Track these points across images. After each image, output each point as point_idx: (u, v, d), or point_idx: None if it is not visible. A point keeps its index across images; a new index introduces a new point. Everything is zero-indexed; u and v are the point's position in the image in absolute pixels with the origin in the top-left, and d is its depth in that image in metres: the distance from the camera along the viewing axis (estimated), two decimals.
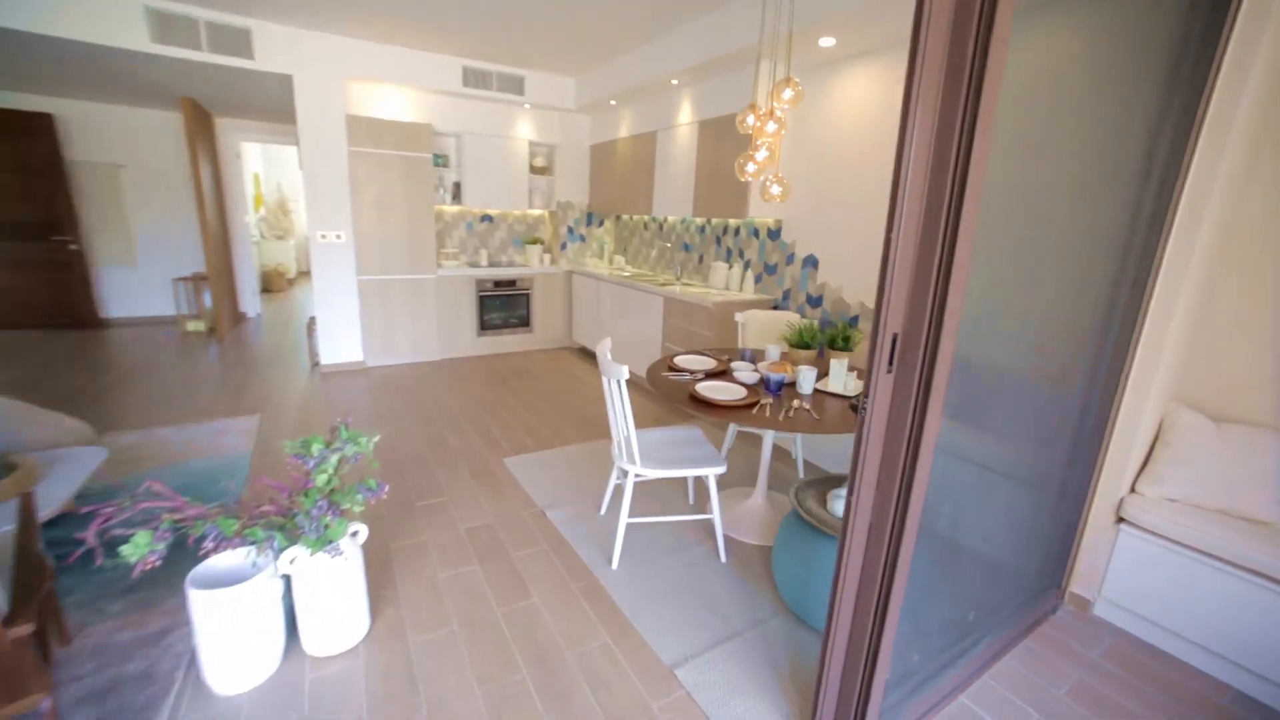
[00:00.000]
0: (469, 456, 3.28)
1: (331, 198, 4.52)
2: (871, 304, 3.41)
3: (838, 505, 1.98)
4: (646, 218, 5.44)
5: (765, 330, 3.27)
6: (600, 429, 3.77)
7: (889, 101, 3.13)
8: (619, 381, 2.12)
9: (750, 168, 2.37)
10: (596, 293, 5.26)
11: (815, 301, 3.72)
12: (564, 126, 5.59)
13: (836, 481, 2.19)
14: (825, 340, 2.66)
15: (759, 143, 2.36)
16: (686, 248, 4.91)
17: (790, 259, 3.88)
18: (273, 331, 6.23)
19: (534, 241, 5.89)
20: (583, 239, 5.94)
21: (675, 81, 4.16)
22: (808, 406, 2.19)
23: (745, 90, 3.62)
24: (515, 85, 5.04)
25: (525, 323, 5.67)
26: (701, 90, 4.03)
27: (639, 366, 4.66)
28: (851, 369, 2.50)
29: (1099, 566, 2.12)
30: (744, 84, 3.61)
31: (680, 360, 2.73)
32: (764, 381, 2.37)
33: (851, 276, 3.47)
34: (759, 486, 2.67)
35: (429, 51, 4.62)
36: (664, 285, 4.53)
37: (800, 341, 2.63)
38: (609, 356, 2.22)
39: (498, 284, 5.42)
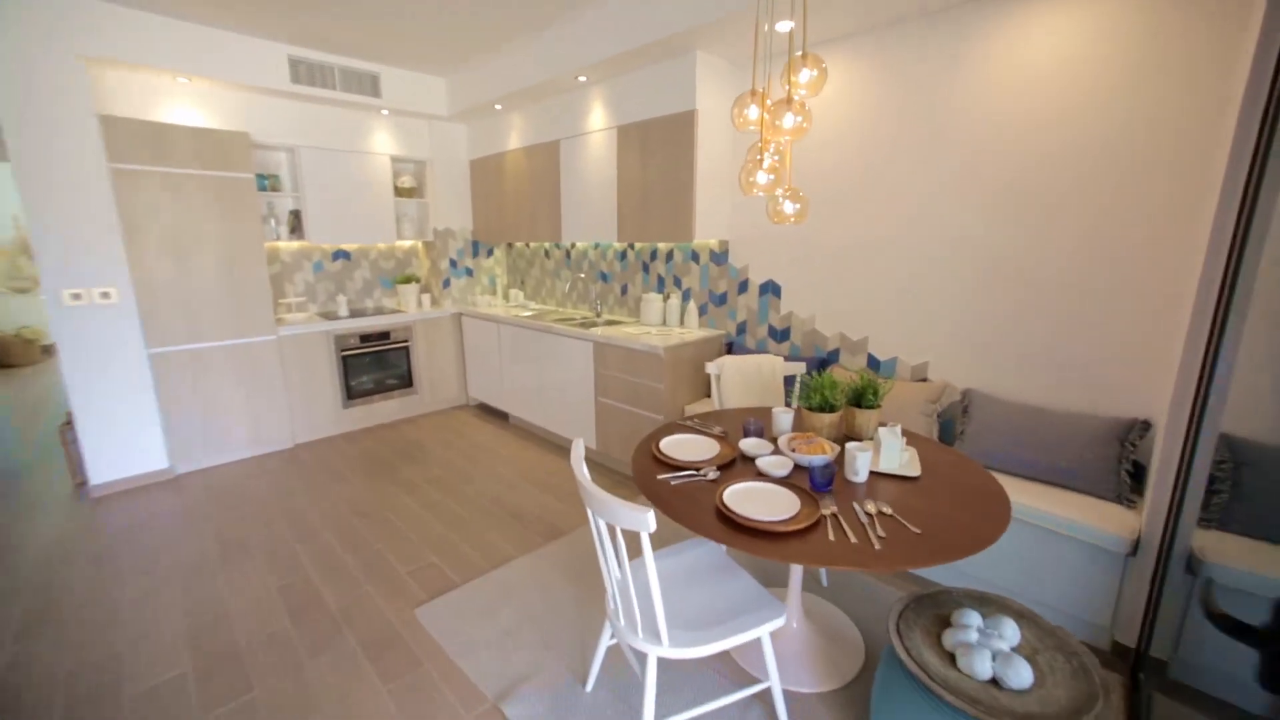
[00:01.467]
0: (357, 616, 2.20)
1: (85, 238, 3.08)
2: (855, 335, 2.87)
3: (978, 662, 1.33)
4: (548, 244, 4.59)
5: (749, 382, 2.62)
6: (540, 522, 2.85)
7: (858, 97, 2.65)
8: (636, 536, 1.29)
9: (762, 178, 1.68)
10: (496, 338, 4.28)
11: (781, 335, 3.16)
12: (436, 138, 4.55)
13: (951, 600, 1.56)
14: (852, 397, 2.06)
15: (771, 143, 1.68)
16: (604, 278, 4.15)
17: (743, 286, 3.28)
18: (7, 432, 4.35)
19: (408, 280, 4.74)
20: (469, 273, 4.91)
21: (583, 79, 3.40)
22: (888, 510, 1.53)
23: (681, 85, 2.97)
24: (367, 85, 3.94)
25: (406, 382, 4.50)
26: (621, 88, 3.32)
27: (566, 428, 3.78)
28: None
29: None
30: (681, 77, 2.96)
31: (668, 445, 1.96)
32: (810, 478, 1.68)
33: (824, 304, 2.95)
34: (791, 605, 1.97)
35: (236, 32, 3.39)
36: (589, 327, 3.73)
37: (821, 403, 2.00)
38: (598, 490, 1.39)
39: (365, 338, 4.21)
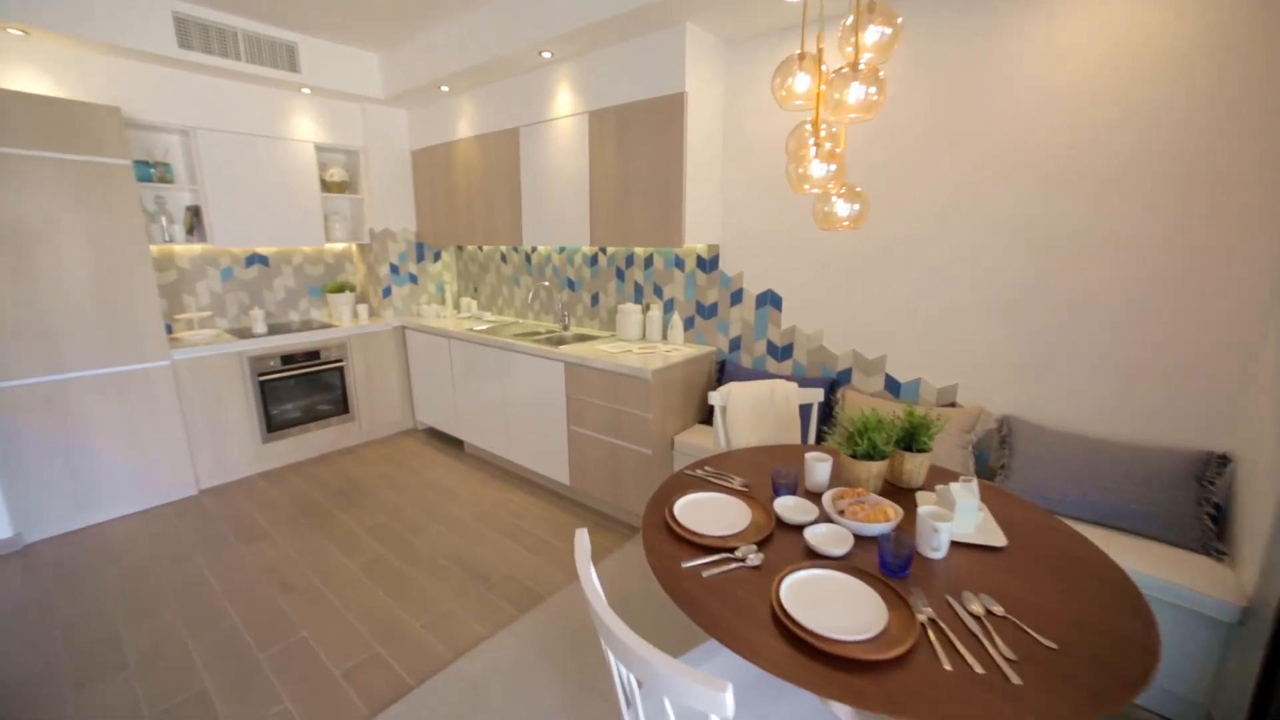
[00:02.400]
0: None
1: None
2: (871, 352, 2.48)
3: None
4: (505, 248, 4.06)
5: (759, 413, 2.22)
6: (511, 584, 2.35)
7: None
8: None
9: (818, 169, 1.27)
10: (447, 355, 3.72)
11: (782, 352, 2.78)
12: (371, 124, 3.93)
13: None
14: (901, 438, 1.70)
15: (826, 127, 1.27)
16: (571, 285, 3.67)
17: (737, 297, 2.89)
18: None
19: (340, 289, 4.10)
20: (413, 280, 4.31)
21: (547, 54, 2.92)
22: (998, 609, 1.16)
23: (668, 63, 2.54)
24: (281, 57, 3.29)
25: (341, 408, 3.87)
26: (593, 66, 2.86)
27: (533, 459, 3.28)
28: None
29: None
30: (668, 54, 2.53)
31: (686, 512, 1.52)
32: (879, 558, 1.29)
33: (833, 317, 2.59)
34: None
35: None
36: (556, 343, 3.24)
37: (868, 449, 1.62)
38: (634, 640, 1.09)
39: (289, 359, 3.56)
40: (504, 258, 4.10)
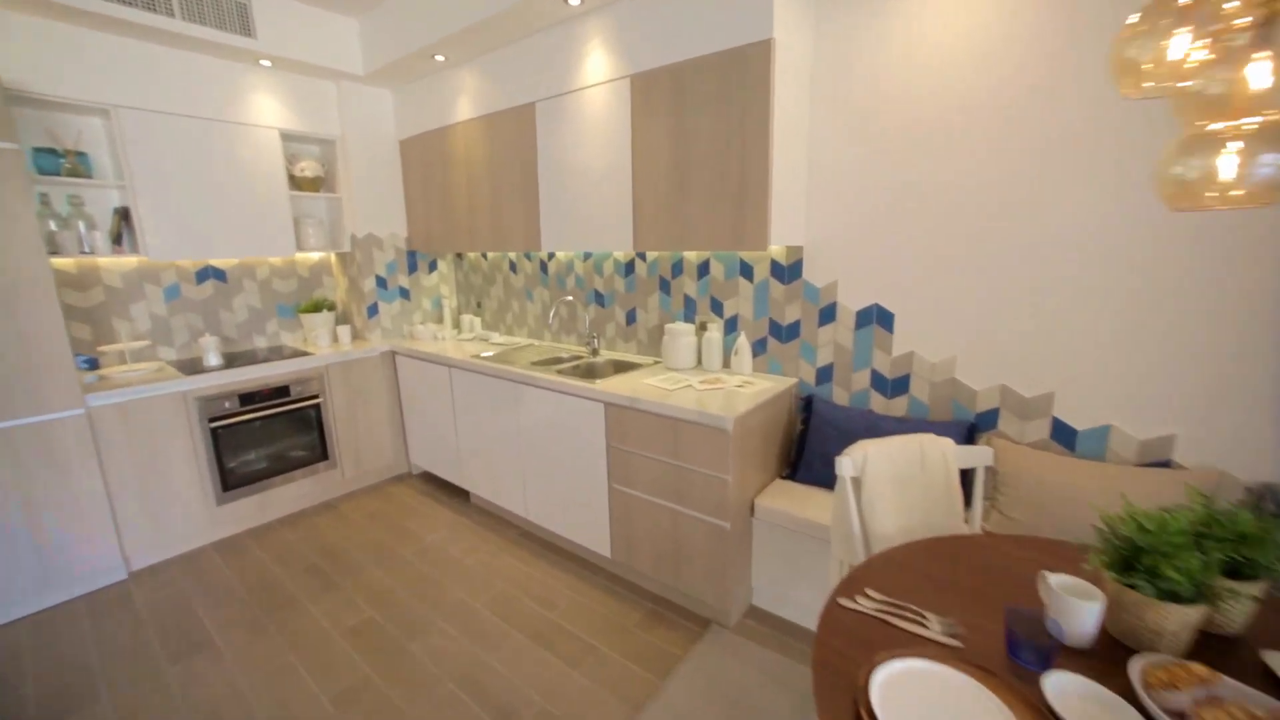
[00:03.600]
0: None
1: None
2: (1029, 388, 1.79)
3: None
4: (514, 256, 3.38)
5: (904, 485, 1.53)
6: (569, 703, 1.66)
7: (1023, 18, 1.64)
8: None
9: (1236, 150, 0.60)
10: (447, 386, 3.02)
11: (894, 386, 2.11)
12: (349, 107, 3.23)
13: None
14: (1226, 557, 1.04)
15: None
16: (599, 300, 2.98)
17: (828, 314, 2.22)
18: None
19: (316, 307, 3.40)
20: (404, 295, 3.60)
21: (575, 1, 2.24)
22: None
23: (735, 4, 1.87)
24: (230, 16, 2.60)
25: (319, 453, 3.15)
26: (638, 11, 2.19)
27: (560, 522, 2.58)
28: None
29: None
30: None
31: (891, 705, 0.84)
32: None
33: (970, 339, 1.93)
34: None
35: None
36: (588, 374, 2.56)
37: (1175, 584, 0.95)
38: None
39: (249, 397, 2.84)
40: (514, 267, 3.41)
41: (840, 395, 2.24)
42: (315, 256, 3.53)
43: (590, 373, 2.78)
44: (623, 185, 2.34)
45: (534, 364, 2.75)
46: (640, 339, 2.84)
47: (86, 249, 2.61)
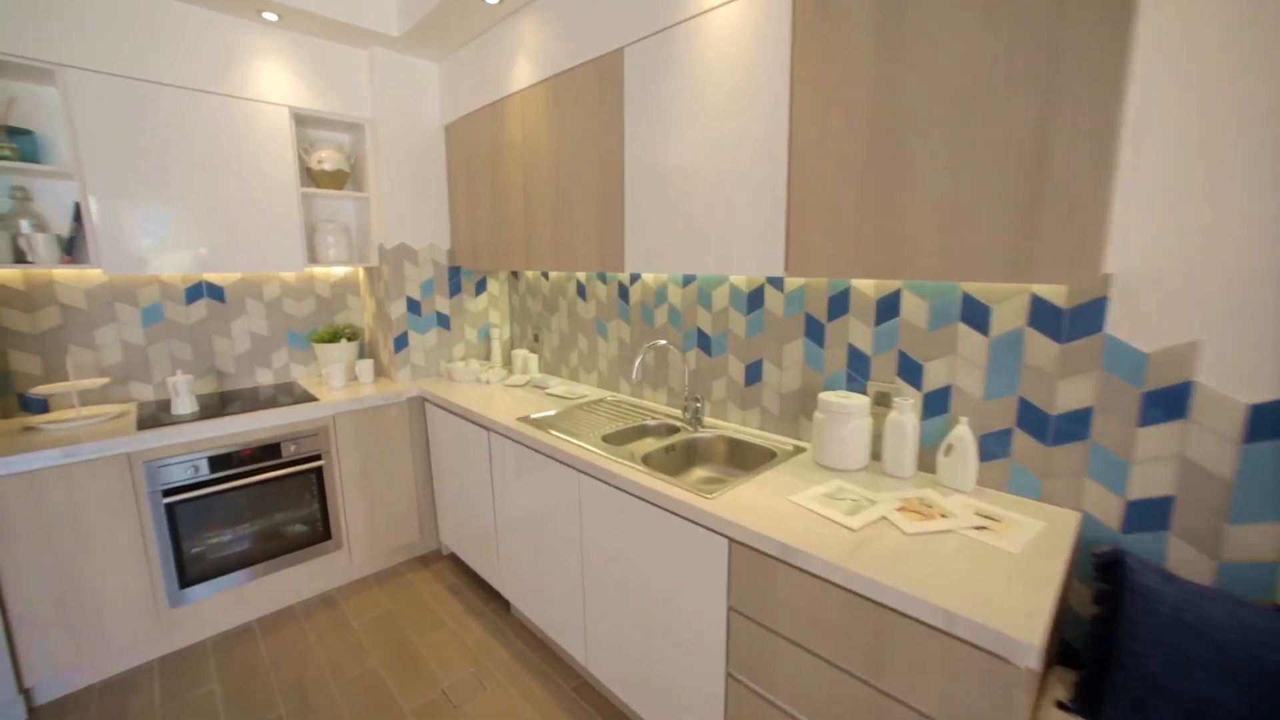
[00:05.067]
0: None
1: None
2: None
3: None
4: (582, 276, 2.51)
5: None
6: None
7: None
8: None
9: None
10: (485, 453, 2.17)
11: None
12: (383, 82, 2.50)
13: None
14: None
15: None
16: (703, 345, 2.04)
17: (1167, 402, 1.15)
18: None
19: (335, 336, 2.67)
20: (443, 322, 2.81)
21: None
22: None
23: None
24: None
25: (319, 531, 2.37)
26: None
27: (639, 690, 1.63)
28: None
29: None
30: None
31: None
32: None
33: None
34: None
35: None
36: (687, 460, 1.62)
37: None
38: None
39: (222, 460, 2.10)
40: (582, 291, 2.54)
41: (1191, 561, 1.16)
42: (339, 272, 2.82)
43: (690, 456, 1.83)
44: (768, 171, 1.40)
45: (607, 439, 1.83)
46: (768, 408, 1.86)
47: (27, 258, 1.96)
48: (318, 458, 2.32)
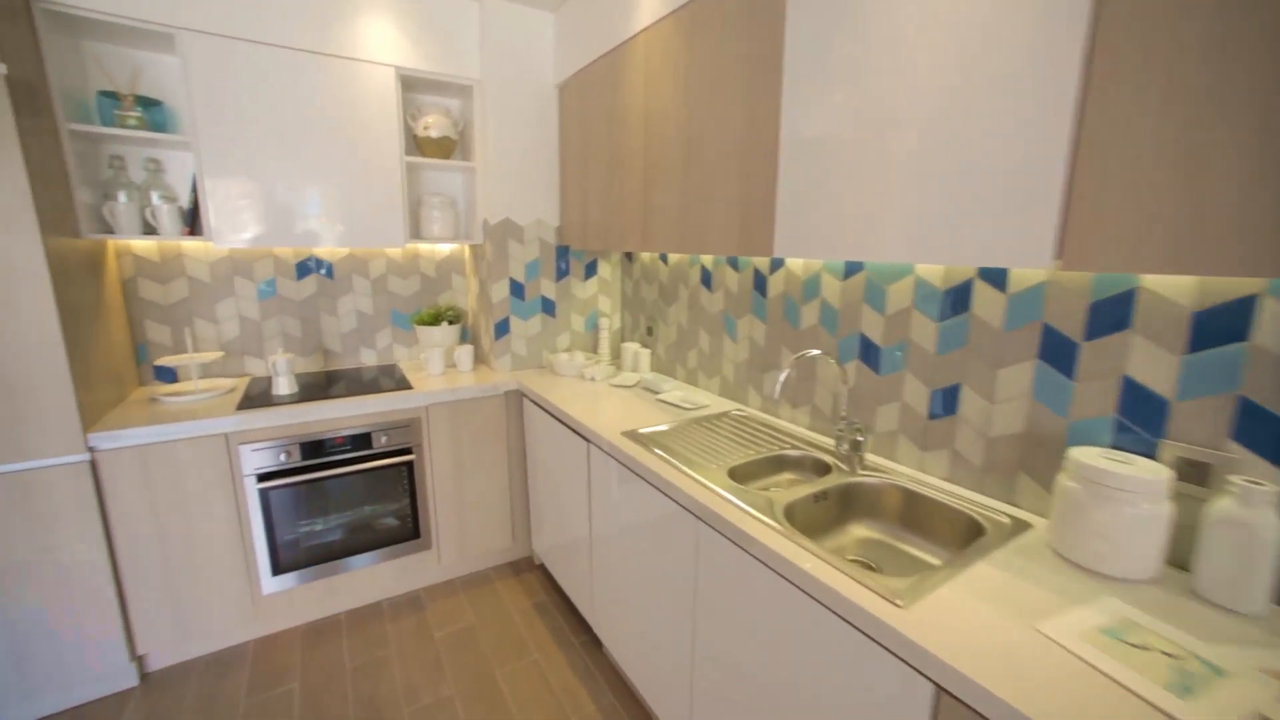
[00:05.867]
0: None
1: None
2: None
3: None
4: (709, 261, 2.08)
5: None
6: None
7: None
8: None
9: None
10: (583, 464, 1.84)
11: None
12: (494, 34, 2.24)
13: None
14: None
15: None
16: (869, 358, 1.52)
17: None
18: None
19: (436, 319, 2.50)
20: (547, 308, 2.54)
21: None
22: None
23: None
24: None
25: (409, 529, 2.22)
26: None
27: None
28: None
29: None
30: None
31: None
32: None
33: None
34: None
35: None
36: (845, 504, 1.15)
37: None
38: None
39: (314, 447, 1.98)
40: (707, 278, 2.11)
41: None
42: (444, 250, 2.64)
43: (846, 505, 1.35)
44: (1036, 118, 0.87)
45: (735, 474, 1.41)
46: (963, 454, 1.32)
47: (152, 228, 1.94)
48: (409, 451, 2.15)
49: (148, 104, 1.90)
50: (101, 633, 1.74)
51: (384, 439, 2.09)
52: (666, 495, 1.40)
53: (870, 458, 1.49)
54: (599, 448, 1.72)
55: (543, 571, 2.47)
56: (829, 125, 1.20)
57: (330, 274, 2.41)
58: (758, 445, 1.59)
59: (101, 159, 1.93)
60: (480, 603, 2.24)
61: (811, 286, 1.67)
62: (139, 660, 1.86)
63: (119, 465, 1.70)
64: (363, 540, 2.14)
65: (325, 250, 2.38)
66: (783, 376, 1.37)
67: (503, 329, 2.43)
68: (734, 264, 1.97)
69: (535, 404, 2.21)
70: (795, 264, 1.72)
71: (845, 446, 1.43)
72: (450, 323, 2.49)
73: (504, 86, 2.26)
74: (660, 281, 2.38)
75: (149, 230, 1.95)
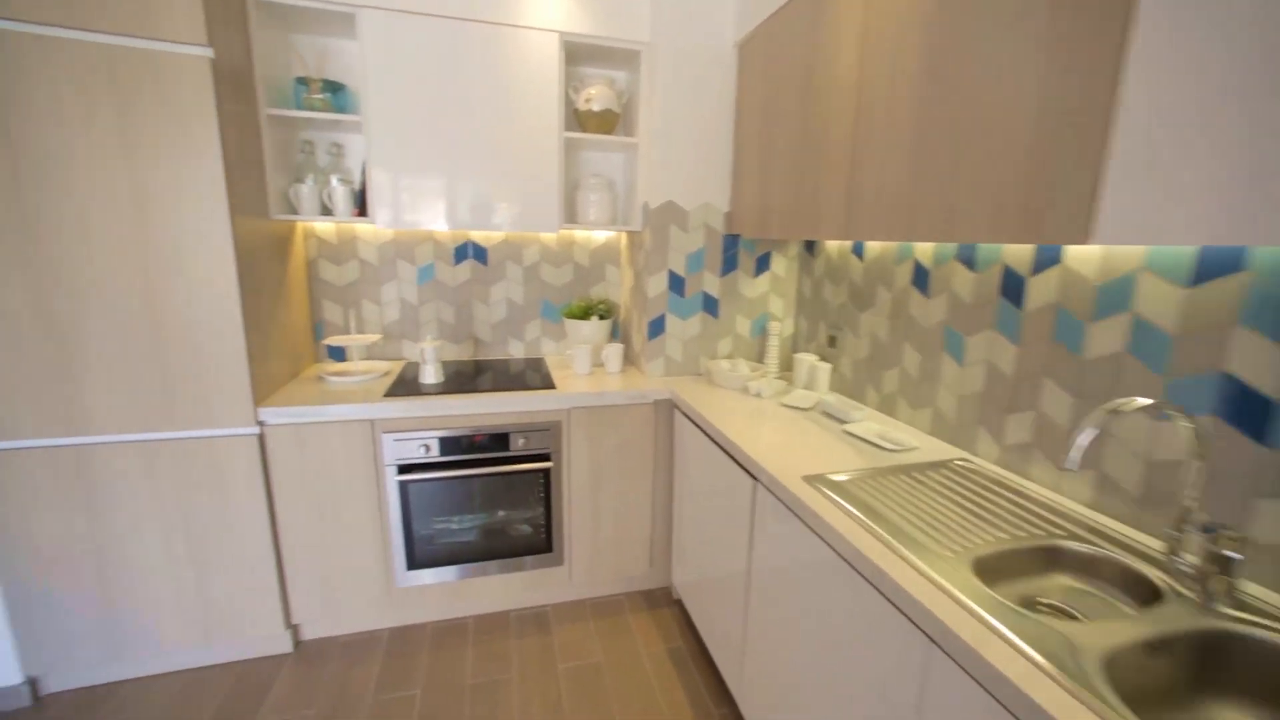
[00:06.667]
0: None
1: None
2: None
3: None
4: (926, 255, 1.55)
5: None
6: None
7: None
8: None
9: None
10: (747, 511, 1.47)
11: None
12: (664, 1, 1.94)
13: None
14: None
15: None
16: (1238, 416, 0.92)
17: None
18: None
19: (586, 313, 2.29)
20: (709, 307, 2.19)
21: None
22: None
23: None
24: None
25: (541, 541, 2.04)
26: None
27: None
28: None
29: None
30: None
31: None
32: None
33: None
34: None
35: None
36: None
37: None
38: None
39: (452, 443, 1.87)
40: (922, 278, 1.59)
41: None
42: (600, 237, 2.43)
43: (1203, 667, 0.80)
44: None
45: (983, 568, 0.93)
46: None
47: (328, 209, 1.97)
48: (547, 457, 1.95)
49: (334, 88, 1.91)
50: (264, 597, 1.78)
51: (522, 441, 1.91)
52: (876, 588, 0.97)
53: (1246, 588, 0.90)
54: (770, 491, 1.33)
55: (680, 609, 2.15)
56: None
57: (484, 260, 2.32)
58: (1005, 522, 1.08)
59: (294, 144, 2.00)
60: (610, 637, 1.99)
61: (1115, 295, 1.10)
62: (293, 629, 1.90)
63: (281, 440, 1.72)
64: (494, 545, 2.00)
65: (481, 235, 2.29)
66: (1086, 438, 0.86)
67: (657, 328, 2.14)
68: (968, 261, 1.43)
69: (689, 418, 1.88)
70: (1082, 262, 1.15)
71: (1194, 560, 0.87)
72: (601, 317, 2.27)
73: (675, 48, 1.94)
74: (851, 281, 1.90)
75: (325, 212, 1.97)
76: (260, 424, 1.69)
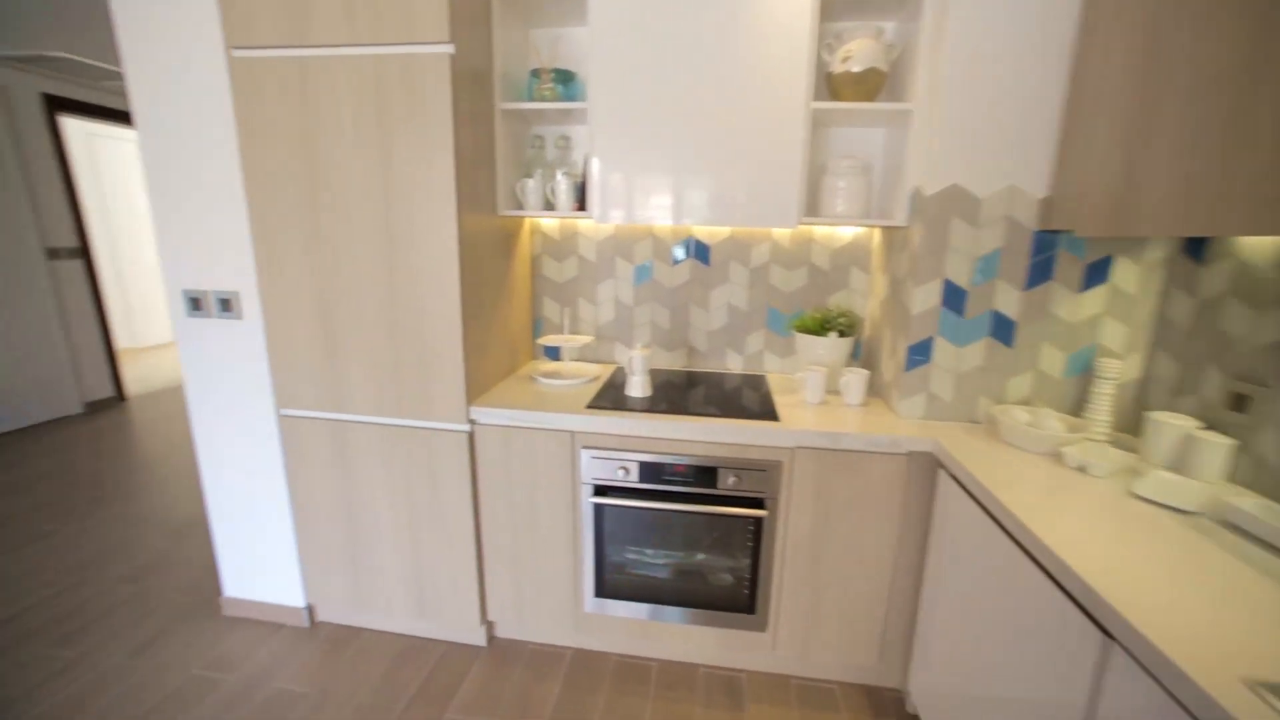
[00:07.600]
0: None
1: (200, 186, 1.67)
2: None
3: None
4: None
5: None
6: None
7: None
8: None
9: None
10: (1081, 678, 0.92)
11: None
12: None
13: None
14: None
15: None
16: None
17: None
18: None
19: (825, 327, 1.86)
20: (1001, 331, 1.57)
21: None
22: None
23: None
24: None
25: (743, 598, 1.70)
26: None
27: None
28: None
29: None
30: None
31: None
32: None
33: None
34: None
35: None
36: None
37: None
38: None
39: (653, 470, 1.64)
40: None
41: None
42: (846, 234, 1.96)
43: None
44: None
45: None
46: None
47: (549, 202, 1.90)
48: (761, 504, 1.60)
49: (565, 78, 1.83)
50: (465, 589, 1.81)
51: (733, 480, 1.59)
52: None
53: None
54: (1151, 675, 0.78)
55: None
56: None
57: (706, 259, 2.05)
58: None
59: (526, 139, 1.98)
60: None
61: None
62: (488, 625, 1.91)
63: (489, 441, 1.69)
64: (689, 589, 1.73)
65: (704, 231, 2.03)
66: None
67: (920, 354, 1.61)
68: None
69: (962, 486, 1.35)
70: None
71: None
72: (841, 334, 1.82)
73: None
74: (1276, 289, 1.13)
75: (548, 206, 1.91)
76: (471, 422, 1.68)
